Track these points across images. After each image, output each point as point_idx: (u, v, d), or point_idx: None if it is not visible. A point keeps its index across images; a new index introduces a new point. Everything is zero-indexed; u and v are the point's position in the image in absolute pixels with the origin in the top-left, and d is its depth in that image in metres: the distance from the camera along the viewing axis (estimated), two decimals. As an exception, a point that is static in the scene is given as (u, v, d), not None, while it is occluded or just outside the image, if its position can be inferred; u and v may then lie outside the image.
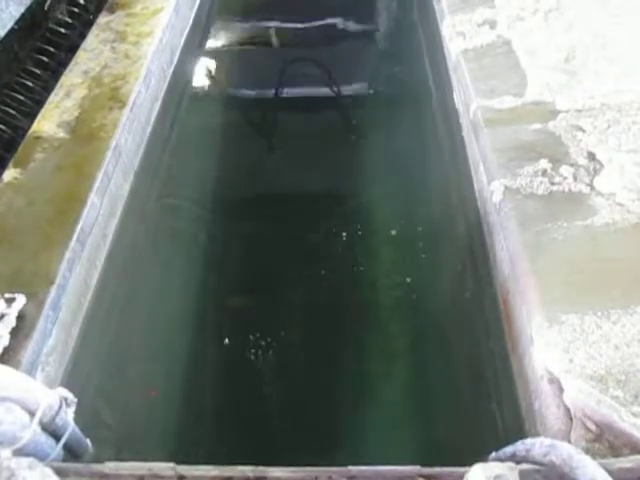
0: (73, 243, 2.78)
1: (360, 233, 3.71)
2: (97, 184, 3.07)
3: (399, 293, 3.37)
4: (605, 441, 1.97)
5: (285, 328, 3.31)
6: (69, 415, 2.18)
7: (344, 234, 3.72)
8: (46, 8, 4.76)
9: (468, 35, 4.04)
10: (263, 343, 3.19)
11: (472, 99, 3.47)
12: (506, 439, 2.00)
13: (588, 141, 3.01)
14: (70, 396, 2.18)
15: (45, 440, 2.07)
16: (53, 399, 2.06)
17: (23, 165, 3.21)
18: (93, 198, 3.01)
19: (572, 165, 2.88)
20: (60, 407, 2.09)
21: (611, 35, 3.79)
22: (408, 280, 3.40)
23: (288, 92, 5.05)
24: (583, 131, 3.07)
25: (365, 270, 3.49)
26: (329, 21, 5.85)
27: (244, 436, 2.94)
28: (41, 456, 2.03)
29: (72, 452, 2.27)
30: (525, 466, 1.90)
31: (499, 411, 2.71)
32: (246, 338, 3.26)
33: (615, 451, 1.94)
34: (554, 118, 3.19)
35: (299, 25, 5.85)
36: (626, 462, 1.83)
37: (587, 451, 1.92)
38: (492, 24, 4.11)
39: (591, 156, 2.92)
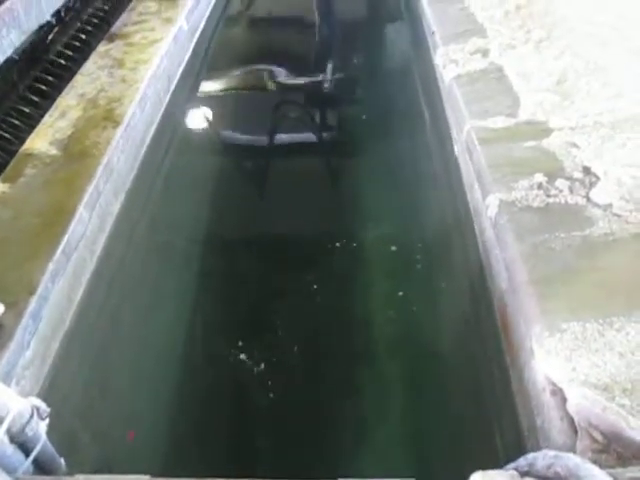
0: (58, 255, 2.70)
1: (357, 248, 3.66)
2: (86, 198, 3.03)
3: (397, 311, 3.29)
4: (613, 452, 1.84)
5: (279, 357, 3.19)
6: (41, 428, 2.05)
7: (342, 252, 3.66)
8: (48, 41, 4.87)
9: (461, 62, 4.10)
10: (252, 363, 3.07)
11: (465, 120, 3.48)
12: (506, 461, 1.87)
13: (583, 156, 2.99)
14: (43, 406, 2.05)
15: (13, 452, 1.92)
16: (24, 407, 1.93)
17: (12, 180, 3.17)
18: (82, 212, 2.96)
19: (568, 179, 2.85)
20: (31, 416, 1.96)
21: (602, 61, 3.84)
22: (405, 298, 3.31)
23: (283, 133, 5.11)
24: (577, 147, 3.06)
25: (364, 285, 3.42)
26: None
27: (229, 465, 2.77)
28: (8, 469, 1.89)
29: (43, 470, 2.11)
30: (528, 479, 1.76)
31: (499, 432, 2.57)
32: (232, 363, 3.14)
33: (624, 462, 1.81)
34: (548, 136, 3.18)
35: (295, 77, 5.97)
36: (637, 472, 1.70)
37: (594, 463, 1.78)
38: (484, 52, 4.18)
39: (586, 170, 2.89)
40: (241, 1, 7.64)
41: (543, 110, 3.42)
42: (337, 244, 3.73)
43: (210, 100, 5.51)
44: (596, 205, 2.69)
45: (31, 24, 4.47)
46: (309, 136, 5.19)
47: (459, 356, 3.01)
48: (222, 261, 3.83)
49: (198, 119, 5.19)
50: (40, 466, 2.09)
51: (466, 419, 2.75)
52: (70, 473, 1.90)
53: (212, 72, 5.89)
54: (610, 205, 2.67)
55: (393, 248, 3.65)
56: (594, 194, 2.74)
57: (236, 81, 5.75)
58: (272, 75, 5.78)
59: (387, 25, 6.83)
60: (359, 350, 3.18)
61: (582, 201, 2.72)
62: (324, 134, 5.11)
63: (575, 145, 3.08)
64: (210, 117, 5.22)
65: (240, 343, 3.19)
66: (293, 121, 5.30)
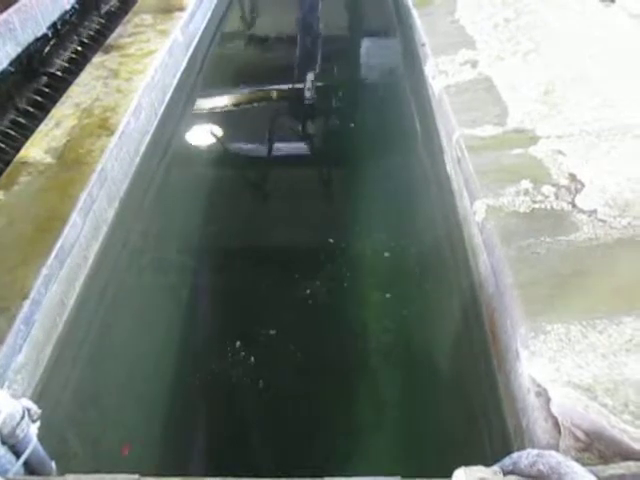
0: (51, 260, 2.73)
1: (347, 255, 3.69)
2: (80, 204, 3.06)
3: (389, 316, 3.32)
4: (595, 450, 1.87)
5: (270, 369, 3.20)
6: (32, 430, 2.07)
7: (333, 259, 3.70)
8: (45, 54, 4.94)
9: (450, 73, 4.18)
10: (246, 370, 3.09)
11: (455, 129, 3.54)
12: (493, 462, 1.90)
13: (569, 163, 3.05)
14: (34, 407, 2.07)
15: (4, 454, 1.94)
16: (15, 408, 1.95)
17: (7, 188, 3.20)
18: (75, 218, 2.99)
19: (554, 185, 2.90)
20: (22, 418, 1.98)
21: (590, 72, 3.93)
22: (396, 303, 3.35)
23: (276, 144, 5.16)
24: (564, 155, 3.12)
25: (356, 291, 3.46)
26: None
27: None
28: (-2, 470, 1.90)
29: (34, 473, 2.13)
30: (512, 477, 1.79)
31: (487, 434, 2.60)
32: (226, 371, 3.16)
33: (606, 461, 1.84)
34: (535, 143, 3.24)
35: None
36: (617, 469, 1.73)
37: (577, 461, 1.81)
38: (474, 63, 4.26)
39: (572, 177, 2.95)
40: (242, 19, 7.76)
41: (530, 119, 3.49)
42: (328, 251, 3.77)
43: (204, 111, 5.57)
44: (581, 211, 2.74)
45: (27, 36, 4.54)
46: (302, 147, 5.25)
47: (448, 360, 3.04)
48: (216, 269, 3.85)
49: (193, 129, 5.24)
50: (31, 469, 2.10)
51: (455, 422, 2.77)
52: (60, 473, 1.91)
53: (207, 84, 5.96)
54: (595, 211, 2.72)
55: (386, 254, 3.70)
56: (579, 200, 2.80)
57: (231, 93, 5.81)
58: (267, 89, 5.86)
59: (380, 38, 6.95)
60: (349, 354, 3.19)
61: (567, 207, 2.77)
62: (316, 145, 5.17)
63: (561, 153, 3.14)
64: (204, 127, 5.28)
65: (234, 350, 3.21)
66: (286, 132, 5.36)
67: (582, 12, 4.91)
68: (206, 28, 6.29)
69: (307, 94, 5.56)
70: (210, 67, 6.17)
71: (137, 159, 3.99)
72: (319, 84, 5.71)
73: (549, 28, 4.70)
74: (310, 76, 5.80)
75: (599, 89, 3.72)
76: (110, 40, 5.03)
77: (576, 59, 4.15)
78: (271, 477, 1.85)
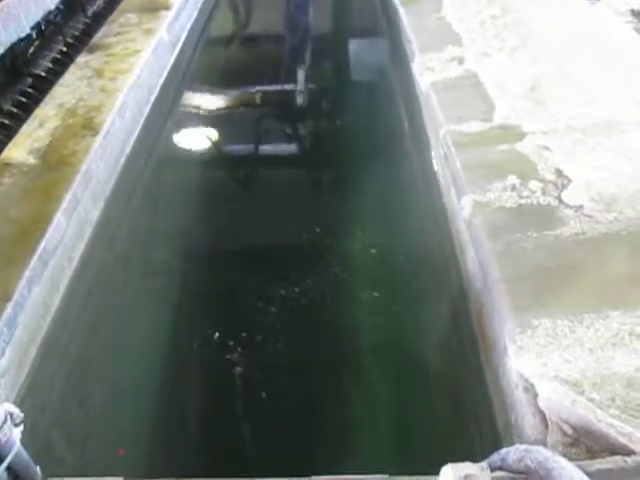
0: (34, 261, 2.70)
1: (336, 253, 3.68)
2: (64, 205, 3.02)
3: (377, 312, 3.31)
4: (583, 445, 1.87)
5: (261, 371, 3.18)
6: (15, 434, 2.03)
7: (322, 258, 3.68)
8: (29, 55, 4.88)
9: (437, 70, 4.18)
10: (234, 367, 3.07)
11: (441, 125, 3.54)
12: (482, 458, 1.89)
13: (555, 159, 3.05)
14: (17, 411, 2.03)
15: (-15, 460, 1.91)
16: (-4, 412, 1.92)
17: (-11, 189, 3.16)
18: (60, 219, 2.96)
19: (540, 180, 2.91)
20: (4, 422, 1.95)
21: (577, 68, 3.94)
22: (384, 300, 3.34)
23: (263, 144, 5.15)
24: (550, 150, 3.12)
25: (345, 289, 3.45)
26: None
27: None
28: (-20, 477, 1.87)
29: (18, 477, 2.09)
30: (500, 473, 1.79)
31: (477, 431, 2.59)
32: (214, 369, 3.13)
33: (593, 456, 1.83)
34: (521, 139, 3.25)
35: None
36: (605, 463, 1.73)
37: (564, 456, 1.80)
38: (460, 60, 4.26)
39: (558, 172, 2.96)
40: (229, 17, 7.73)
41: (517, 115, 3.49)
42: (317, 249, 3.75)
43: (191, 110, 5.54)
44: (568, 206, 2.74)
45: (10, 37, 4.48)
46: (289, 146, 5.24)
47: (437, 356, 3.03)
48: (203, 268, 3.82)
49: (179, 129, 5.20)
50: (15, 474, 2.07)
51: (444, 419, 2.77)
52: (45, 477, 1.88)
53: (194, 83, 5.92)
54: (581, 206, 2.73)
55: (373, 251, 3.69)
56: (566, 195, 2.80)
57: (218, 93, 5.78)
58: (254, 89, 5.83)
59: (368, 36, 6.96)
60: (336, 350, 3.17)
61: (554, 202, 2.78)
62: (303, 143, 5.16)
63: (548, 148, 3.15)
64: (190, 127, 5.25)
65: (222, 348, 3.19)
66: (274, 131, 5.34)
67: (568, 9, 4.92)
68: (192, 27, 6.24)
69: (296, 93, 5.55)
70: (197, 66, 6.14)
71: (122, 159, 3.95)
72: (308, 81, 5.70)
73: (535, 25, 4.70)
74: (299, 74, 5.78)
75: (585, 86, 3.73)
76: (95, 40, 4.98)
77: (562, 56, 4.16)
78: (260, 477, 1.83)
